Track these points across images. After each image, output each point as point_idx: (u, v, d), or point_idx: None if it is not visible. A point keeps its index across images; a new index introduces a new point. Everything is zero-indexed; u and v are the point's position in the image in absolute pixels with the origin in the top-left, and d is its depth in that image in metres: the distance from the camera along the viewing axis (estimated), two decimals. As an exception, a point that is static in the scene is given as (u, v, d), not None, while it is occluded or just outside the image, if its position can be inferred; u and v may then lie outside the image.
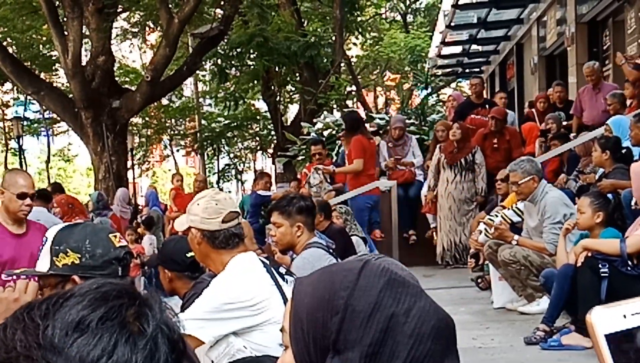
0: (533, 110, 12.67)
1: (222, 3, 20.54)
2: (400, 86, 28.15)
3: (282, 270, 3.59)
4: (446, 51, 21.29)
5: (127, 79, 27.06)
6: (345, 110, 17.81)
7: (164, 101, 28.82)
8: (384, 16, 31.56)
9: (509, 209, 7.88)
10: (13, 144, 29.07)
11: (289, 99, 28.73)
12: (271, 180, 15.04)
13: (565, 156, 10.09)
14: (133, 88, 20.75)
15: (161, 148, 37.26)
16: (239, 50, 21.12)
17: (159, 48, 19.17)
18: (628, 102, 9.91)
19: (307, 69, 21.48)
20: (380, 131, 13.00)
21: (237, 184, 35.24)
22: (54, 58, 23.72)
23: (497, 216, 7.87)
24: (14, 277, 2.72)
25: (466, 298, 8.43)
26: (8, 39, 22.62)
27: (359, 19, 24.84)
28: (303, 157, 14.91)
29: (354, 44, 30.45)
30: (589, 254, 5.96)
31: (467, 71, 23.36)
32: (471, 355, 5.74)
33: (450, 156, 10.57)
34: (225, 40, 20.63)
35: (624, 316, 1.04)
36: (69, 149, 34.09)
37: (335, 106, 19.38)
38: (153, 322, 1.08)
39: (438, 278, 9.76)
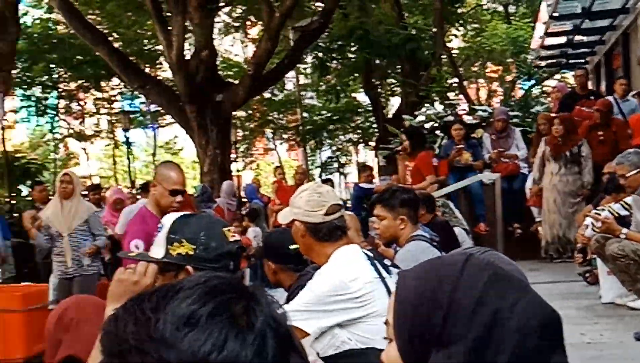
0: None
1: (323, -4, 20.62)
2: (502, 78, 27.77)
3: (386, 263, 3.59)
4: (549, 41, 20.87)
5: (230, 73, 27.39)
6: (446, 102, 17.65)
7: (267, 94, 29.07)
8: (485, 7, 31.15)
9: (616, 203, 7.70)
10: (120, 137, 29.77)
11: (390, 92, 28.65)
12: (373, 173, 15.04)
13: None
14: (236, 82, 21.00)
15: (264, 141, 37.63)
16: (339, 43, 21.17)
17: (260, 42, 19.35)
18: None
19: (408, 62, 21.39)
20: (483, 124, 12.86)
21: (339, 177, 35.35)
22: (158, 53, 24.18)
23: (604, 209, 7.71)
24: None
25: (574, 292, 8.28)
26: (114, 35, 23.18)
27: (459, 10, 24.60)
28: (405, 150, 14.87)
29: (455, 35, 30.15)
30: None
31: (571, 61, 22.87)
32: (580, 351, 5.64)
33: (555, 148, 10.39)
34: (326, 34, 20.69)
35: None
36: (175, 142, 34.68)
37: (436, 98, 19.24)
38: (261, 316, 1.11)
39: (544, 272, 9.61)
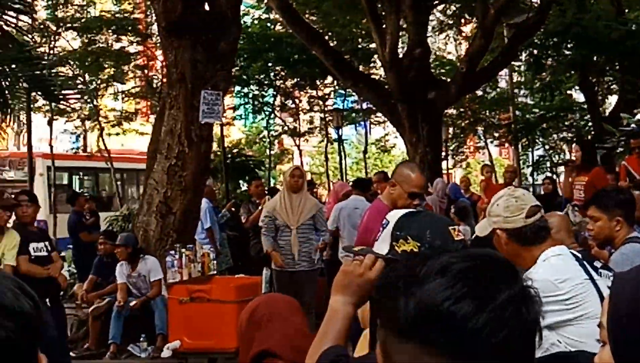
0: None
1: (539, -8, 20.15)
2: None
3: (597, 264, 3.49)
4: None
5: (442, 70, 27.30)
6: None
7: (479, 92, 28.76)
8: None
9: None
10: (332, 134, 30.31)
11: (607, 90, 27.63)
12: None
13: None
14: (448, 80, 20.91)
15: (475, 139, 37.24)
16: (555, 40, 20.62)
17: (474, 39, 19.17)
18: None
19: (628, 58, 20.54)
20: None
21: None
22: (372, 51, 24.44)
23: None
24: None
25: None
26: (329, 34, 23.63)
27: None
28: (622, 149, 14.30)
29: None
30: None
31: None
32: None
33: None
34: (542, 30, 20.22)
35: None
36: (386, 140, 34.96)
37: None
38: (506, 292, 1.19)
39: None
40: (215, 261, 10.67)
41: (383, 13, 18.66)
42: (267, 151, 30.58)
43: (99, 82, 24.15)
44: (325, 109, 28.82)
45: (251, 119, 32.36)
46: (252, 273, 11.20)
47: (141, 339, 10.49)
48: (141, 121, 27.47)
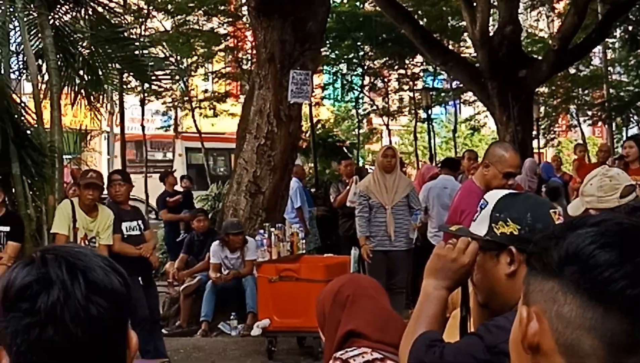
0: None
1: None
2: None
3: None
4: None
5: (534, 48, 26.83)
6: None
7: (571, 70, 28.20)
8: None
9: None
10: (422, 113, 30.12)
11: None
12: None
13: None
14: (540, 57, 20.55)
15: (567, 117, 36.56)
16: (652, 15, 20.08)
17: (567, 16, 18.77)
18: None
19: None
20: None
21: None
22: (462, 29, 24.16)
23: None
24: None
25: None
26: (419, 12, 23.44)
27: None
28: None
29: None
30: None
31: None
32: None
33: None
34: (637, 6, 19.69)
35: None
36: (476, 119, 34.60)
37: None
38: None
39: None
40: (304, 241, 10.72)
41: (474, -10, 18.42)
42: (356, 130, 30.56)
43: (189, 62, 24.45)
44: (415, 88, 28.62)
45: (340, 98, 32.36)
46: (341, 253, 11.23)
47: (231, 317, 10.63)
48: (232, 102, 27.72)
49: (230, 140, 26.43)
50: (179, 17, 22.54)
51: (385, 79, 29.03)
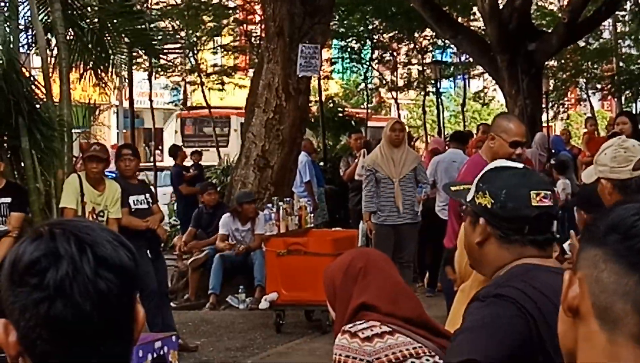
0: None
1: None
2: None
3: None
4: None
5: (543, 21, 26.67)
6: None
7: (581, 43, 28.04)
8: None
9: None
10: (430, 87, 30.01)
11: None
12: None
13: None
14: (549, 31, 20.44)
15: (576, 91, 36.42)
16: (663, -13, 19.92)
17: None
18: None
19: None
20: None
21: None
22: (471, 2, 24.03)
23: None
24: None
25: None
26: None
27: None
28: None
29: None
30: None
31: None
32: None
33: None
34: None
35: None
36: (485, 93, 34.46)
37: None
38: None
39: None
40: (312, 215, 10.74)
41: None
42: (365, 104, 30.49)
43: (198, 35, 24.37)
44: (424, 62, 28.51)
45: (349, 72, 32.27)
46: (350, 227, 11.24)
47: (240, 291, 10.68)
48: (240, 75, 27.67)
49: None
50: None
51: (394, 53, 28.92)
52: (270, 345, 8.96)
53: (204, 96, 25.58)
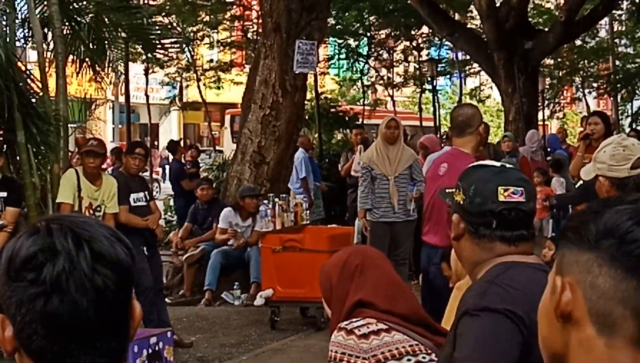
0: None
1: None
2: None
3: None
4: None
5: (540, 20, 26.69)
6: None
7: (577, 42, 28.08)
8: None
9: None
10: (427, 84, 30.02)
11: None
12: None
13: None
14: (546, 29, 20.45)
15: (572, 90, 36.45)
16: (660, -13, 19.93)
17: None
18: None
19: None
20: None
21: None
22: (468, 0, 24.05)
23: None
24: None
25: None
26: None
27: None
28: None
29: None
30: None
31: None
32: None
33: None
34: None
35: None
36: (480, 90, 34.46)
37: None
38: None
39: None
40: (307, 211, 10.73)
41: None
42: (361, 101, 30.47)
43: (195, 29, 24.34)
44: (420, 59, 28.51)
45: (345, 68, 32.26)
46: (347, 223, 11.22)
47: (235, 287, 10.67)
48: (237, 71, 27.65)
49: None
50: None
51: (391, 50, 28.91)
52: (265, 341, 8.95)
53: (200, 92, 25.55)
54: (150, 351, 6.21)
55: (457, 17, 24.54)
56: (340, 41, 26.93)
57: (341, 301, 3.33)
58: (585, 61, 30.94)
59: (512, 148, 13.12)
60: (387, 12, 24.58)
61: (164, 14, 20.59)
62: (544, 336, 1.34)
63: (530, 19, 21.65)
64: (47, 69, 9.23)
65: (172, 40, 16.29)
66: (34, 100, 8.92)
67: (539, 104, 22.64)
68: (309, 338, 8.94)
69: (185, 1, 22.21)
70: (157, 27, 13.34)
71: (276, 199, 9.97)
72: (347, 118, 22.88)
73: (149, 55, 16.58)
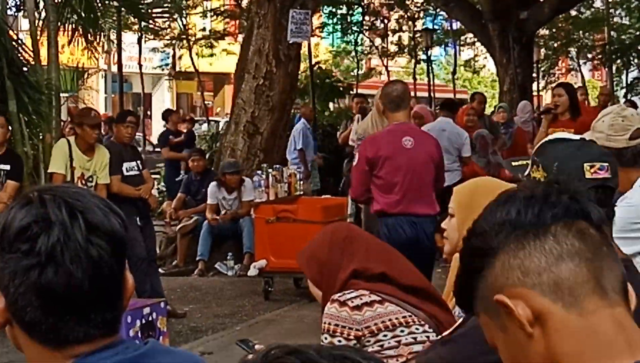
0: None
1: None
2: None
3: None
4: None
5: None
6: None
7: (573, 12, 28.01)
8: None
9: None
10: (421, 55, 29.95)
11: None
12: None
13: None
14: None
15: (567, 60, 36.42)
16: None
17: (569, -43, 18.60)
18: None
19: None
20: None
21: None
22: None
23: None
24: None
25: None
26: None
27: None
28: None
29: None
30: None
31: None
32: None
33: None
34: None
35: None
36: (475, 61, 34.42)
37: None
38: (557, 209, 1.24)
39: None
40: (301, 182, 10.71)
41: None
42: (355, 71, 30.40)
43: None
44: (415, 29, 28.43)
45: (338, 37, 32.17)
46: (344, 193, 11.19)
47: (228, 257, 10.68)
48: (230, 40, 27.52)
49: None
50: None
51: (385, 20, 28.81)
52: (258, 312, 8.97)
53: (192, 61, 25.44)
54: (143, 322, 6.19)
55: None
56: (333, 10, 26.81)
57: (333, 276, 3.31)
58: (581, 32, 30.90)
59: (507, 118, 13.10)
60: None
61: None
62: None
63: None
64: (38, 37, 9.17)
65: (164, 8, 16.18)
66: (25, 69, 8.88)
67: (534, 75, 22.61)
68: (303, 308, 8.95)
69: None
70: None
71: (269, 170, 9.95)
72: (341, 88, 22.81)
73: (142, 24, 16.51)
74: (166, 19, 18.41)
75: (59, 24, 9.65)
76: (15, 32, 9.84)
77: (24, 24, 11.36)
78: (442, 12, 26.06)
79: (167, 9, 15.48)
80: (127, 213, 1.48)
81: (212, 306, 9.23)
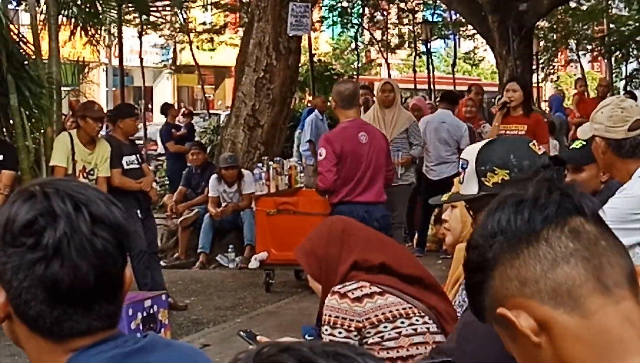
0: None
1: None
2: None
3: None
4: None
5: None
6: None
7: (572, 4, 27.97)
8: None
9: None
10: (421, 47, 29.91)
11: None
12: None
13: None
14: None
15: (566, 52, 36.37)
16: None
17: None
18: None
19: None
20: None
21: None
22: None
23: None
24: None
25: None
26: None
27: None
28: None
29: None
30: None
31: None
32: None
33: None
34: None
35: None
36: (475, 53, 34.35)
37: None
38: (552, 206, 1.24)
39: None
40: (302, 174, 10.72)
41: None
42: (355, 63, 30.37)
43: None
44: (415, 21, 28.39)
45: (339, 31, 32.13)
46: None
47: (229, 250, 10.70)
48: (230, 34, 27.50)
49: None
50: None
51: (385, 12, 28.78)
52: (259, 304, 8.99)
53: (193, 55, 25.43)
54: (144, 314, 6.21)
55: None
56: (334, 3, 26.78)
57: (333, 269, 3.32)
58: (580, 24, 30.84)
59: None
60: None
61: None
62: None
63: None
64: (39, 31, 9.17)
65: (165, 2, 16.19)
66: (26, 63, 8.87)
67: (533, 66, 22.59)
68: (304, 300, 8.97)
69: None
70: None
71: (270, 163, 9.96)
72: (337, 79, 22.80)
73: (142, 18, 16.50)
74: (167, 13, 18.40)
75: (60, 17, 9.66)
76: (16, 26, 9.82)
77: (25, 18, 11.35)
78: (441, 4, 26.03)
79: (168, 2, 15.49)
80: (128, 206, 1.51)
81: (214, 298, 9.26)
